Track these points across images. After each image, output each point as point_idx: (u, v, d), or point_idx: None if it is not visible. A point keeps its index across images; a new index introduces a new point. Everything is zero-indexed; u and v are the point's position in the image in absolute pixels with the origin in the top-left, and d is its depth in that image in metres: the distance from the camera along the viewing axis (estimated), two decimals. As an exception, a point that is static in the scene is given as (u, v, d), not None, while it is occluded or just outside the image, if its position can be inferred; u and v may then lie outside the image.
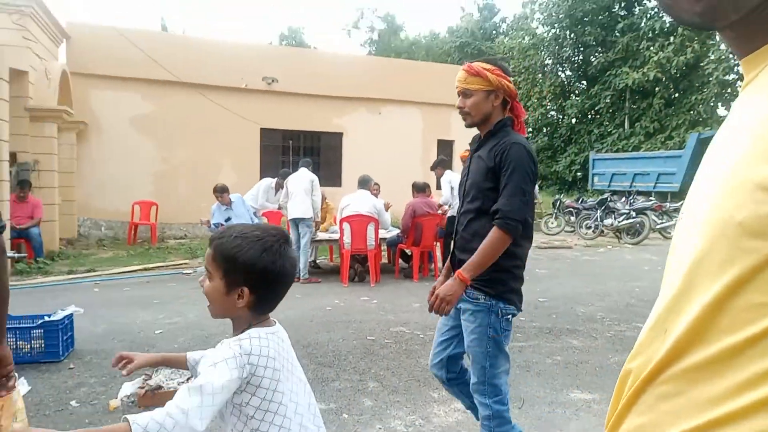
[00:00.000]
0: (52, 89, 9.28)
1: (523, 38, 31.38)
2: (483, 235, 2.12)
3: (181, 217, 12.01)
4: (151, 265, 8.53)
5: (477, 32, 35.51)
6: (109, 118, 11.51)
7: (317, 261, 9.02)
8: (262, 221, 8.65)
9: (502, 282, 2.15)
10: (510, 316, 2.17)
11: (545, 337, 4.81)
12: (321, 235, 8.27)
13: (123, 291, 6.82)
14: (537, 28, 31.35)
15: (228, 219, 8.00)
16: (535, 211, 16.06)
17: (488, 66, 2.18)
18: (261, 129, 12.72)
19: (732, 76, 23.37)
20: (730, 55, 22.62)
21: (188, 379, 3.26)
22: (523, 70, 30.44)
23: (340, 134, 13.56)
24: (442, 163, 8.29)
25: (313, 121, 13.18)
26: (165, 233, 11.83)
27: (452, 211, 7.86)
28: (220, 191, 8.03)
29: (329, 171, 13.10)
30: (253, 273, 1.32)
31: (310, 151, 13.34)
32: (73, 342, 4.47)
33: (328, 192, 9.61)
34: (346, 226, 7.43)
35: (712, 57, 22.78)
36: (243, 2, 73.94)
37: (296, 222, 7.59)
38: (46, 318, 4.25)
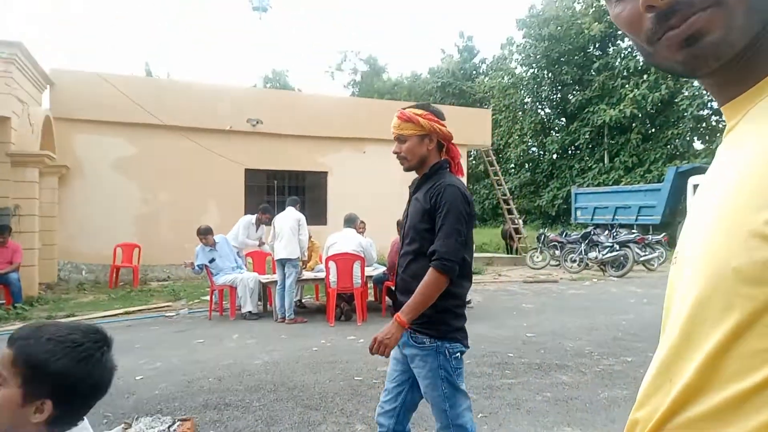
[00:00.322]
0: (35, 135, 9.26)
1: (503, 78, 32.18)
2: (422, 276, 2.12)
3: (164, 258, 11.86)
4: (132, 309, 8.36)
5: (457, 73, 36.37)
6: (91, 161, 11.48)
7: (303, 300, 8.92)
8: (246, 261, 8.57)
9: (444, 322, 2.15)
10: (458, 354, 2.17)
11: (534, 373, 4.76)
12: (306, 275, 8.20)
13: (104, 336, 6.65)
14: (516, 68, 32.22)
15: (212, 260, 7.93)
16: (520, 245, 16.21)
17: (420, 111, 2.26)
18: (246, 170, 12.75)
19: (706, 111, 24.08)
20: (704, 92, 23.37)
21: (169, 428, 3.16)
22: (503, 108, 31.12)
23: (325, 173, 13.64)
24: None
25: (298, 160, 13.26)
26: (147, 275, 11.65)
27: None
28: (204, 233, 7.98)
29: (314, 209, 13.11)
30: (63, 385, 1.12)
31: (295, 190, 13.36)
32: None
33: (313, 230, 9.57)
34: (332, 264, 7.38)
35: (686, 93, 23.51)
36: (227, 46, 75.16)
37: (282, 262, 7.54)
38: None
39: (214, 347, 6.05)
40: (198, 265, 7.87)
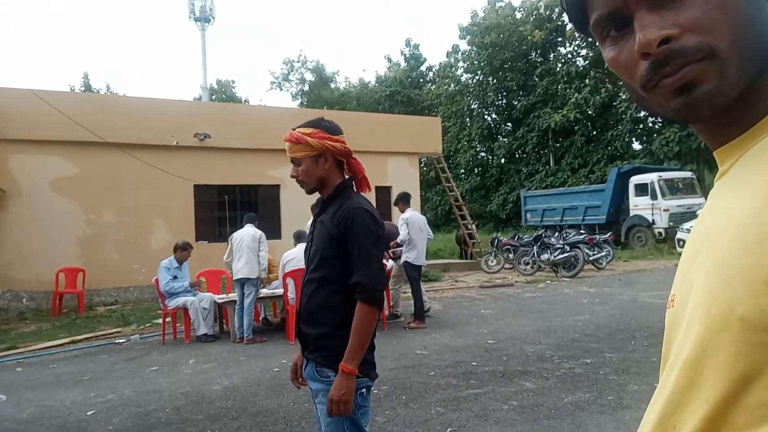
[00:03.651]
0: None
1: (449, 85, 32.75)
2: (330, 306, 2.01)
3: (110, 281, 11.38)
4: (79, 337, 7.95)
5: (405, 81, 36.74)
6: (29, 182, 10.90)
7: (267, 317, 8.75)
8: (200, 281, 8.29)
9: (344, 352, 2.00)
10: (364, 390, 1.99)
11: (498, 381, 4.79)
12: (264, 292, 8.03)
13: (49, 368, 6.29)
14: (461, 75, 32.86)
15: (175, 277, 7.69)
16: (474, 250, 16.45)
17: (309, 130, 2.08)
18: (194, 185, 12.40)
19: (643, 113, 25.18)
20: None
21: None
22: (451, 115, 31.64)
23: (278, 186, 13.44)
24: (404, 199, 7.96)
25: (249, 174, 13.01)
26: (93, 300, 11.14)
27: (407, 255, 7.68)
28: (184, 248, 7.87)
29: (268, 224, 12.83)
30: None
31: (247, 204, 13.10)
32: (-8, 435, 4.04)
33: (268, 244, 9.39)
34: (289, 281, 7.24)
35: (624, 96, 24.51)
36: (169, 57, 73.38)
37: (242, 282, 7.35)
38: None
39: (169, 374, 5.81)
40: (167, 282, 7.58)
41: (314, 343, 2.02)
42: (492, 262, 14.51)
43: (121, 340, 7.76)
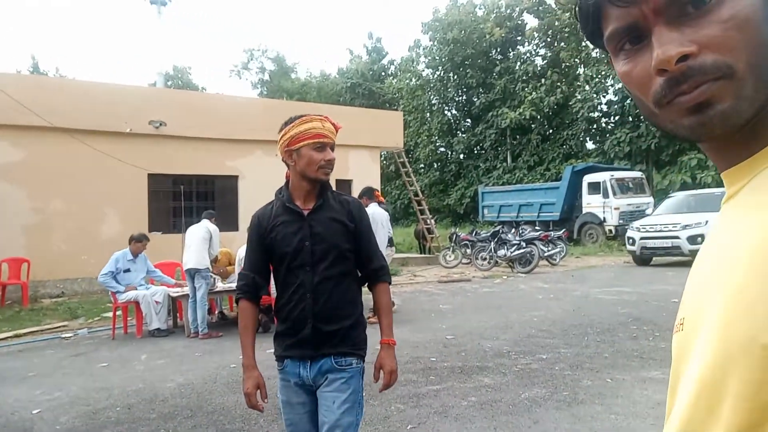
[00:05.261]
0: None
1: (411, 80, 32.82)
2: (352, 299, 2.08)
3: (57, 273, 10.93)
4: (23, 331, 7.61)
5: (367, 74, 36.61)
6: (-31, 168, 10.33)
7: (223, 311, 8.59)
8: (149, 287, 7.90)
9: (366, 340, 2.12)
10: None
11: (457, 377, 4.84)
12: (220, 285, 7.87)
13: (-10, 365, 5.99)
14: (423, 70, 32.96)
15: (127, 270, 7.44)
16: (433, 244, 16.60)
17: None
18: (149, 174, 12.01)
19: (596, 114, 25.92)
20: (594, 95, 25.15)
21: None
22: (412, 110, 31.74)
23: (236, 177, 13.17)
24: (368, 193, 7.93)
25: (206, 164, 12.70)
26: (38, 292, 10.67)
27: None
28: (139, 239, 7.61)
29: (225, 215, 12.59)
30: None
31: (203, 195, 12.81)
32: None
33: (224, 237, 9.21)
34: (239, 271, 7.11)
35: (579, 97, 25.15)
36: (123, 41, 70.80)
37: (191, 273, 7.17)
38: None
39: (120, 371, 5.62)
40: (105, 274, 7.29)
41: (338, 337, 2.04)
42: (450, 257, 14.68)
43: (68, 335, 7.46)
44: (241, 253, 7.41)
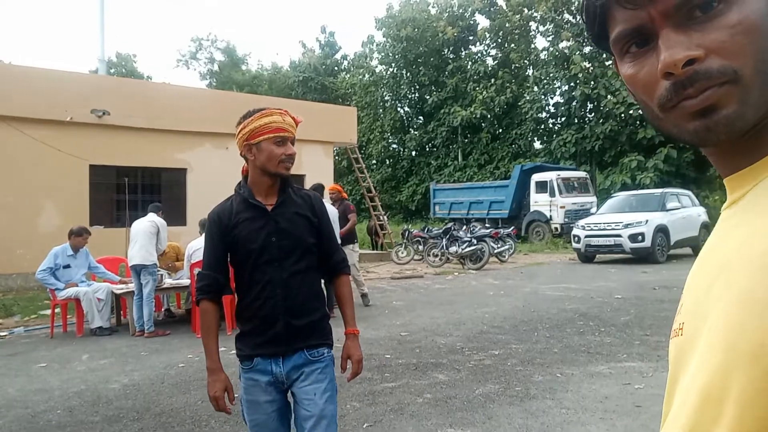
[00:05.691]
0: None
1: (364, 75, 32.75)
2: (317, 292, 2.10)
3: (-10, 268, 10.31)
4: (-49, 331, 7.13)
5: (319, 68, 36.27)
6: None
7: (170, 308, 8.32)
8: (91, 284, 7.53)
9: (331, 330, 2.16)
10: None
11: (412, 374, 4.86)
12: (168, 282, 7.61)
13: None
14: (376, 66, 32.96)
15: (67, 266, 7.06)
16: (385, 241, 16.66)
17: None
18: (90, 166, 11.49)
19: (544, 114, 26.63)
20: (542, 96, 25.83)
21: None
22: (365, 105, 31.71)
23: (184, 170, 12.79)
24: (319, 190, 7.87)
25: (153, 156, 12.26)
26: (-32, 289, 10.03)
27: None
28: (79, 233, 7.15)
29: (172, 209, 12.20)
30: None
31: (149, 188, 12.37)
32: None
33: (171, 232, 8.91)
34: (197, 271, 6.91)
35: (528, 98, 25.77)
36: (62, 24, 67.46)
37: (137, 269, 6.91)
38: None
39: (60, 372, 5.35)
40: (43, 270, 6.90)
41: (308, 330, 2.04)
42: (402, 253, 14.76)
43: (3, 333, 7.05)
44: (190, 248, 7.19)
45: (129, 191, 11.90)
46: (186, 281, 7.43)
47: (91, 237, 7.77)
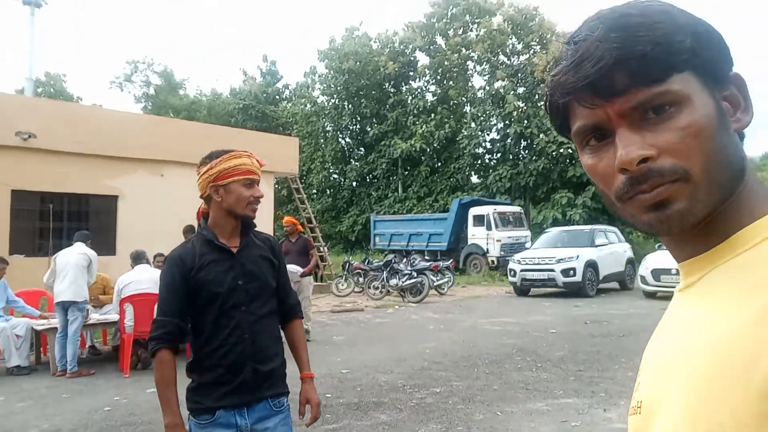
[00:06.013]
0: None
1: (306, 105, 32.83)
2: (278, 336, 2.09)
3: None
4: None
5: (260, 96, 36.03)
6: None
7: (95, 344, 7.84)
8: (9, 319, 7.00)
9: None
10: None
11: (353, 414, 4.78)
12: (94, 317, 7.19)
13: None
14: (318, 97, 33.12)
15: None
16: (325, 272, 16.50)
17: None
18: (12, 191, 10.80)
19: (481, 150, 27.53)
20: (479, 133, 26.75)
21: None
22: (306, 135, 31.70)
23: (115, 197, 12.24)
24: (191, 231, 7.91)
25: (81, 182, 11.67)
26: None
27: None
28: None
29: (101, 238, 11.58)
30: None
31: (76, 216, 11.74)
32: None
33: (100, 262, 8.43)
34: (128, 306, 6.57)
35: (465, 133, 26.61)
36: (-16, 38, 64.06)
37: (65, 305, 6.48)
38: None
39: (-31, 418, 4.90)
40: None
41: (273, 377, 2.02)
42: (342, 285, 14.66)
43: None
44: (121, 282, 6.83)
45: (54, 218, 11.27)
46: (114, 317, 7.04)
47: (11, 267, 7.27)
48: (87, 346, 7.68)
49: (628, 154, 0.55)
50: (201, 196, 2.04)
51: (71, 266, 6.51)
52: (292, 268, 7.49)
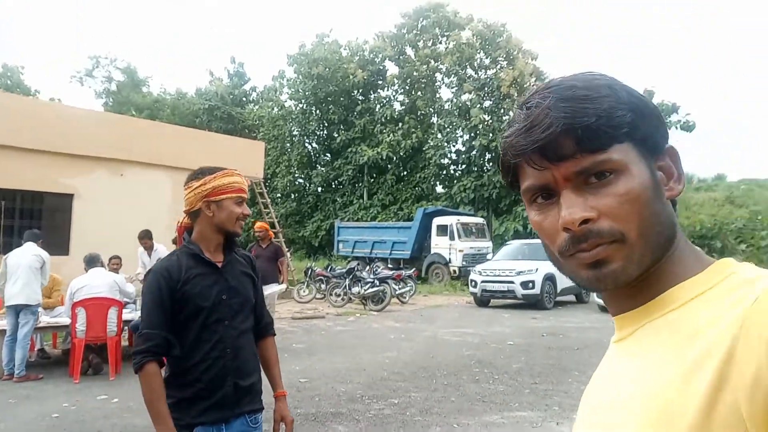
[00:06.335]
0: None
1: (273, 109, 32.56)
2: (255, 351, 2.12)
3: None
4: None
5: (227, 97, 35.57)
6: None
7: (44, 348, 7.57)
8: None
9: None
10: None
11: (311, 425, 4.76)
12: (44, 320, 6.94)
13: None
14: (286, 101, 32.90)
15: None
16: (287, 278, 16.37)
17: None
18: (-40, 186, 10.36)
19: (446, 161, 27.85)
20: (445, 143, 27.06)
21: None
22: (272, 138, 31.42)
23: (71, 196, 11.86)
24: (148, 236, 8.11)
25: (35, 179, 11.28)
26: None
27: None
28: None
29: (55, 237, 11.21)
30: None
31: (29, 213, 11.35)
32: None
33: (53, 262, 8.16)
34: (80, 310, 6.37)
35: (431, 143, 26.88)
36: (-64, 24, 61.36)
37: (17, 309, 6.24)
38: None
39: None
40: None
41: (251, 392, 2.04)
42: (304, 291, 14.57)
43: None
44: (73, 286, 6.61)
45: (5, 216, 10.86)
46: (66, 320, 6.81)
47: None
48: (36, 349, 7.41)
49: (571, 215, 0.60)
50: (187, 211, 2.06)
51: (23, 268, 6.28)
52: (270, 290, 7.51)
